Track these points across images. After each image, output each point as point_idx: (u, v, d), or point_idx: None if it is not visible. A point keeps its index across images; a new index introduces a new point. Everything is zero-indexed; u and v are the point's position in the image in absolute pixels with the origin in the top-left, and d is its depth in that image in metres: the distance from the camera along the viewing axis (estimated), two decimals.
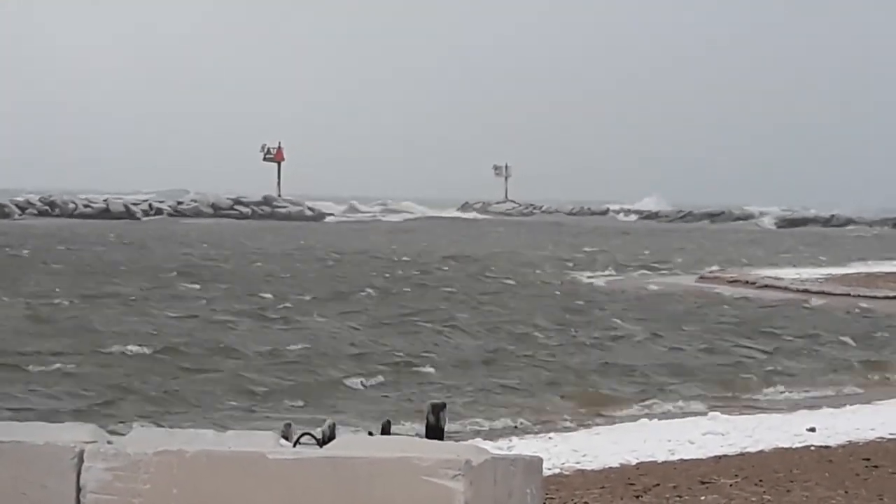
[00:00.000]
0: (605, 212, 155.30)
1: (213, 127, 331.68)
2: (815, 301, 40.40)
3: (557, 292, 43.18)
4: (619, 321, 33.63)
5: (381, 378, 23.35)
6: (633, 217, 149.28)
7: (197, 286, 40.81)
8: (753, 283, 46.80)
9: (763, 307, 38.81)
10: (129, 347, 25.75)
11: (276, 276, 46.56)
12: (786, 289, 44.89)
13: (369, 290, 40.98)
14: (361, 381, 22.90)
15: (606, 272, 54.31)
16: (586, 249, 73.58)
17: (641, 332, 31.39)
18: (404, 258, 60.36)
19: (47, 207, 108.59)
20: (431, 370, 24.47)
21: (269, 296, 38.23)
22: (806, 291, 43.63)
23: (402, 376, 23.75)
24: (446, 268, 54.55)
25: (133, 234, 77.92)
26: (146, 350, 25.69)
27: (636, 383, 23.83)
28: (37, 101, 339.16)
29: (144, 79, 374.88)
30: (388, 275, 48.77)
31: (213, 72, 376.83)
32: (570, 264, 59.44)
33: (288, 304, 35.85)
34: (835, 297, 41.87)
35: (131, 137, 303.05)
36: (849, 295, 42.31)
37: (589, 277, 51.29)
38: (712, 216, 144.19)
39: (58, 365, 23.41)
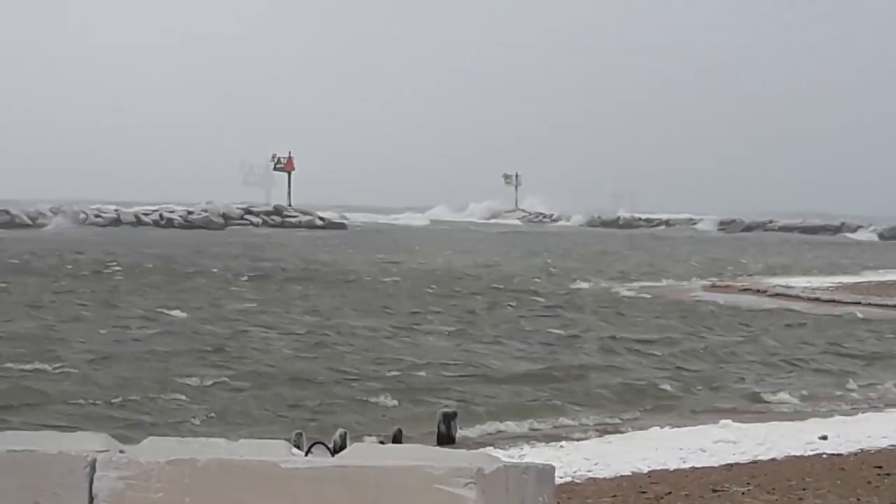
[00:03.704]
0: (616, 220, 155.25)
1: (226, 137, 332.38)
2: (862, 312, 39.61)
3: (593, 304, 42.74)
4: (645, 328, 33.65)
5: (392, 386, 23.32)
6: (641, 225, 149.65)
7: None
8: (764, 292, 46.69)
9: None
10: None
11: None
12: (797, 297, 44.81)
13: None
14: (373, 390, 22.90)
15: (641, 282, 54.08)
16: (605, 257, 73.61)
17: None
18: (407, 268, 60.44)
19: (58, 218, 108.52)
20: (442, 378, 24.43)
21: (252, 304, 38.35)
22: (818, 300, 43.56)
23: (414, 384, 23.71)
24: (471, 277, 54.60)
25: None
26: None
27: (649, 395, 23.79)
28: (54, 112, 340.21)
29: (157, 89, 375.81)
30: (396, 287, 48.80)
31: (225, 81, 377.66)
32: (589, 274, 59.44)
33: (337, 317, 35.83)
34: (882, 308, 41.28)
35: (145, 147, 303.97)
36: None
37: (605, 286, 51.27)
38: (724, 224, 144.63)
39: None
